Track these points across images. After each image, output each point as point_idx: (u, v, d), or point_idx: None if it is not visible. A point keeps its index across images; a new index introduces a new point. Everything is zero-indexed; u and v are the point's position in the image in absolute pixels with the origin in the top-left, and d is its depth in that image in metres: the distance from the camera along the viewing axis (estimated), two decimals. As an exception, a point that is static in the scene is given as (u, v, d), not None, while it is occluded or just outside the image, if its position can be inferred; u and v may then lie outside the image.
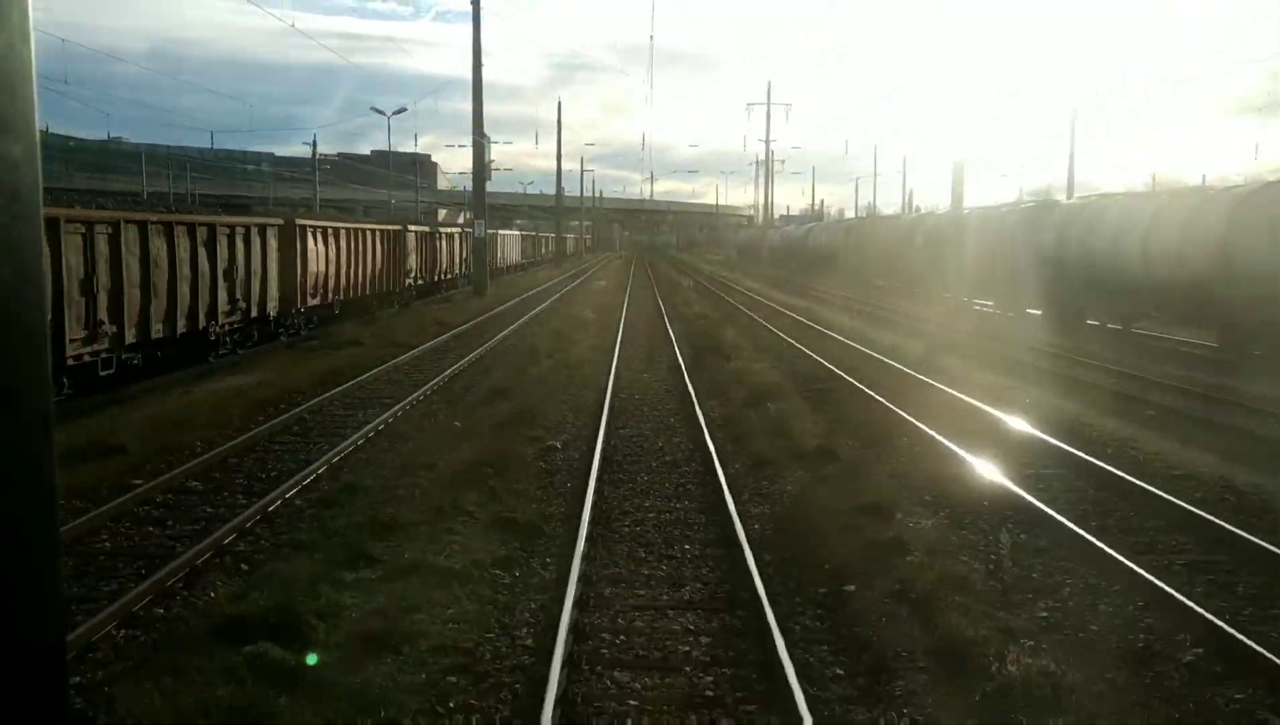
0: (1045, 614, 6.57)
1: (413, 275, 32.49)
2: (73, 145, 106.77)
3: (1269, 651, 5.70)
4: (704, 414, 13.05)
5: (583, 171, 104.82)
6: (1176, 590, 6.70)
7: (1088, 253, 24.04)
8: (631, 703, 5.29)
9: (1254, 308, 18.07)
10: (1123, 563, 7.24)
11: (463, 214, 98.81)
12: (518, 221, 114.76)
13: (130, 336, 14.57)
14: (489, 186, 40.34)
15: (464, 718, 5.02)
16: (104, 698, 5.13)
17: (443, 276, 38.45)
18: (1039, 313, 27.41)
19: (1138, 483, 9.46)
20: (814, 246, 61.12)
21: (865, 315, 30.67)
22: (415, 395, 14.77)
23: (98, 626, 6.00)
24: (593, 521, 8.26)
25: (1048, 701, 5.08)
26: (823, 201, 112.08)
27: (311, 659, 5.40)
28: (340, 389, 15.02)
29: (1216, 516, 8.38)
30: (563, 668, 5.38)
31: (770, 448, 11.18)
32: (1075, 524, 8.15)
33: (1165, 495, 8.99)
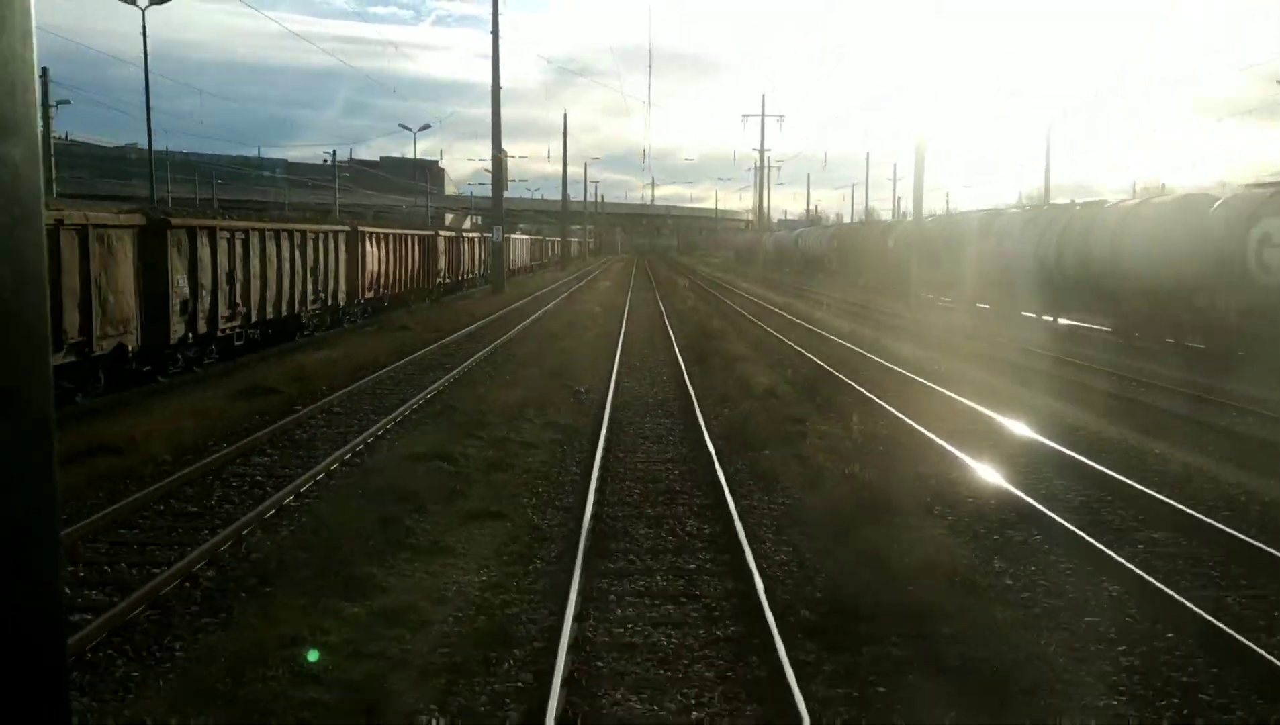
0: (880, 453, 11.19)
1: (442, 275, 37.19)
2: (99, 153, 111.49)
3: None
4: (689, 377, 17.66)
5: (586, 179, 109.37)
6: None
7: (1019, 256, 28.71)
8: (636, 492, 9.89)
9: (1130, 299, 22.78)
10: (895, 415, 11.86)
11: (469, 218, 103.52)
12: (521, 225, 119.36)
13: (254, 317, 19.25)
14: (506, 192, 44.97)
15: (549, 494, 9.64)
16: (368, 472, 9.81)
17: (465, 276, 43.16)
18: (986, 307, 32.09)
19: (944, 390, 14.08)
20: (804, 250, 65.83)
21: (836, 310, 35.32)
22: (468, 363, 19.42)
23: (331, 461, 10.66)
24: (609, 427, 12.88)
25: (861, 486, 9.70)
26: (816, 207, 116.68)
27: (465, 469, 10.05)
28: (409, 358, 19.66)
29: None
30: (599, 478, 10.00)
31: (733, 391, 15.85)
32: (896, 410, 12.77)
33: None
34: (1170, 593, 6.65)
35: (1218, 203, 20.30)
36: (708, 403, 14.94)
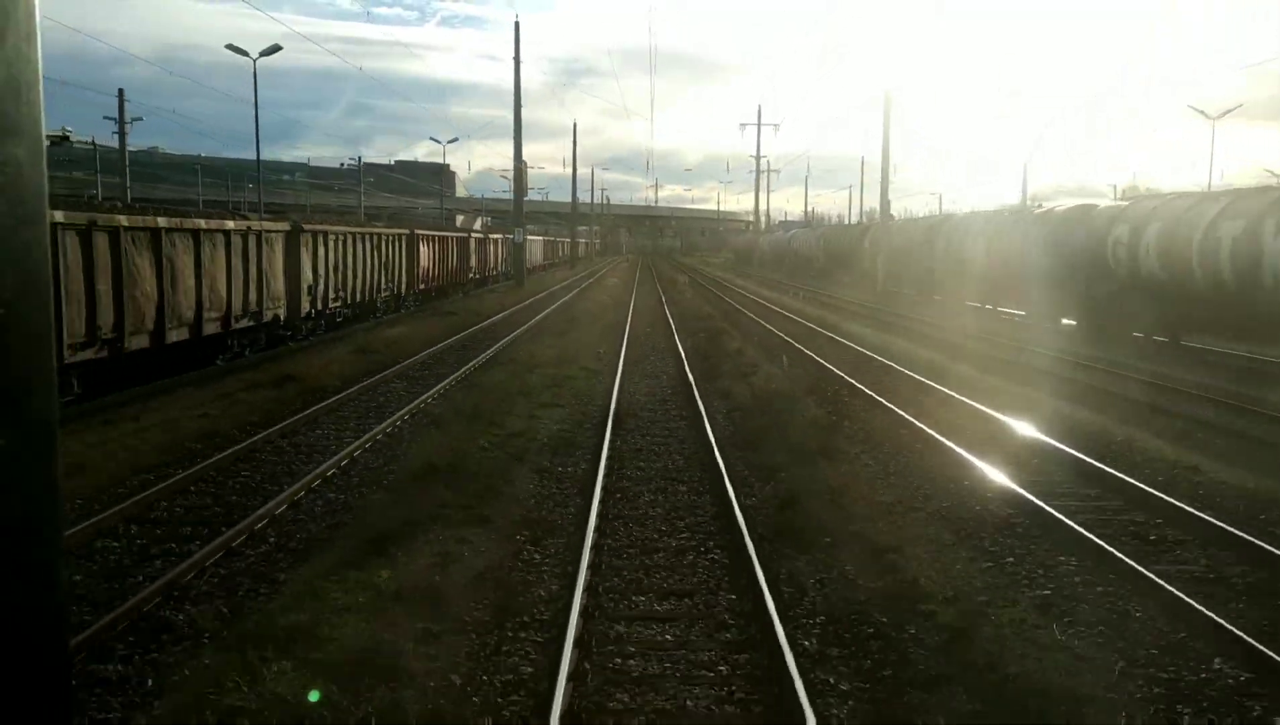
0: (797, 377, 17.09)
1: (473, 271, 43.21)
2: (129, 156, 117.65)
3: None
4: (682, 346, 23.55)
5: (594, 182, 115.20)
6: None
7: (960, 256, 34.58)
8: (642, 400, 15.79)
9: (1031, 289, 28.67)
10: (796, 345, 17.78)
11: (479, 219, 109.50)
12: (530, 227, 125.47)
13: (348, 300, 25.24)
14: (497, 194, 50.98)
15: (587, 398, 15.57)
16: (472, 388, 15.80)
17: (490, 272, 49.19)
18: (939, 298, 37.95)
19: (855, 345, 19.97)
20: (795, 250, 71.74)
21: (813, 300, 41.25)
22: (511, 336, 25.36)
23: (438, 391, 16.61)
24: (622, 371, 18.80)
25: (780, 384, 15.59)
26: (812, 210, 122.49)
27: (531, 388, 16.01)
28: (465, 333, 25.58)
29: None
30: (618, 394, 15.90)
31: (711, 352, 21.78)
32: (814, 355, 18.66)
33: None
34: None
35: (1090, 212, 26.24)
36: (693, 361, 20.84)
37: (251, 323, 19.23)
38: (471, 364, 19.36)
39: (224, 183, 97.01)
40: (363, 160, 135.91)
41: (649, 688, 5.50)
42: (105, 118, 59.76)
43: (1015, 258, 29.66)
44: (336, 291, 24.19)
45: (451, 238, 38.30)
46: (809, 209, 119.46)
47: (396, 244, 29.59)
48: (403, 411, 13.92)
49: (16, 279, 1.36)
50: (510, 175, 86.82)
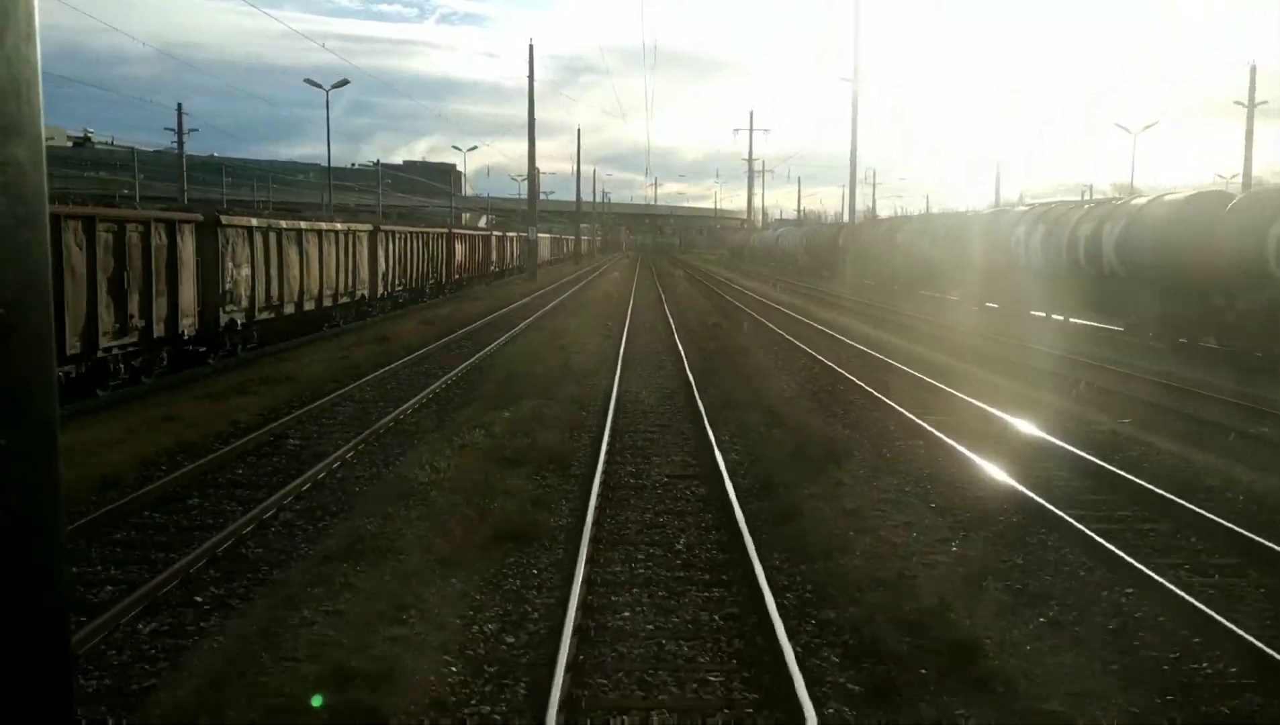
0: (758, 343, 23.47)
1: (494, 264, 49.67)
2: (143, 157, 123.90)
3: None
4: (672, 320, 29.91)
5: (595, 183, 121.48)
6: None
7: (914, 253, 40.98)
8: (641, 354, 22.17)
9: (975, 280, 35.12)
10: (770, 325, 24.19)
11: (483, 217, 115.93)
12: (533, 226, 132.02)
13: (407, 286, 31.68)
14: (499, 190, 57.42)
15: (601, 355, 21.96)
16: (519, 344, 22.27)
17: (506, 266, 55.69)
18: (896, 287, 44.33)
19: (808, 321, 26.38)
20: (783, 248, 78.16)
21: (788, 289, 47.67)
22: (537, 314, 31.72)
23: (474, 363, 23.04)
24: (627, 337, 25.19)
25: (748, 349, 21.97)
26: (805, 207, 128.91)
27: (563, 344, 22.43)
28: (498, 313, 31.91)
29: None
30: (623, 353, 22.29)
31: (697, 326, 28.18)
32: (777, 328, 25.05)
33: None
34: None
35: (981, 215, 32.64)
36: (681, 334, 27.23)
37: (348, 299, 25.64)
38: (512, 331, 25.78)
39: (242, 182, 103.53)
40: (353, 163, 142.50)
41: (647, 411, 11.94)
42: (166, 129, 63.59)
43: (955, 254, 36.08)
44: (400, 278, 30.59)
45: (479, 236, 44.81)
46: (801, 207, 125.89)
47: (440, 241, 36.03)
48: (474, 357, 20.33)
49: (17, 279, 1.35)
50: (513, 174, 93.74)
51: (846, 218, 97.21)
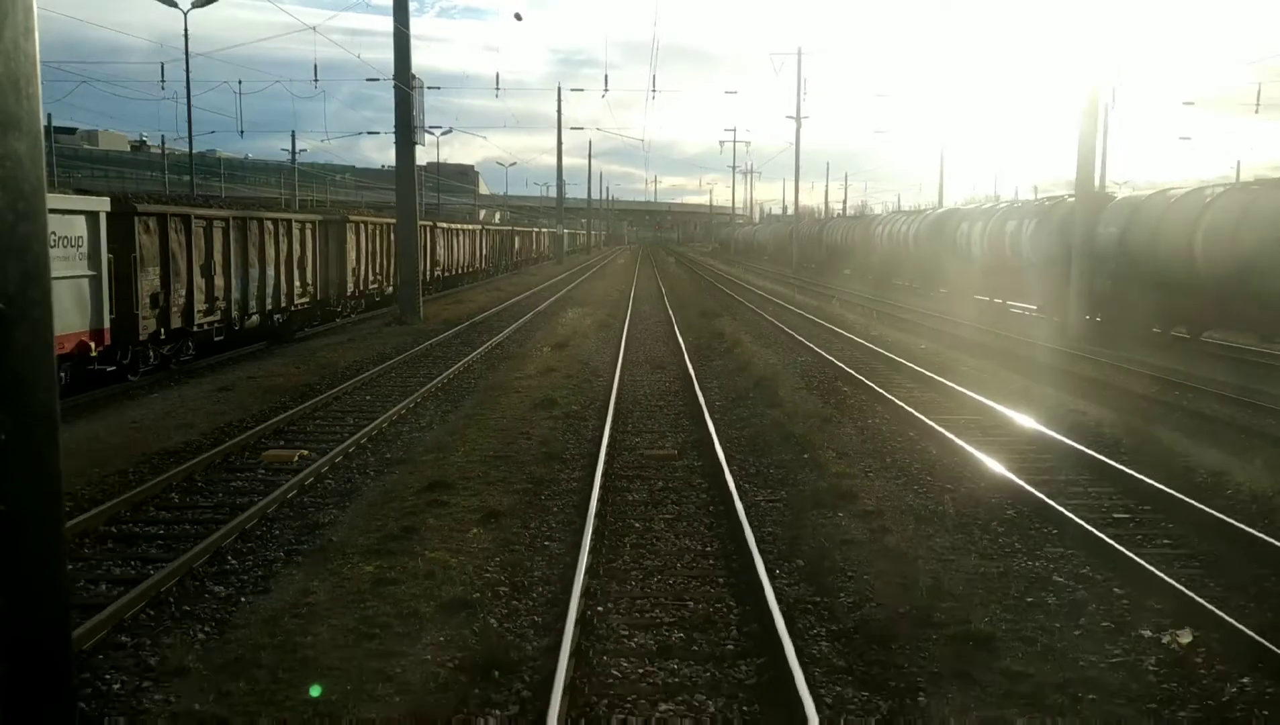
0: (726, 308, 34.55)
1: (524, 253, 60.99)
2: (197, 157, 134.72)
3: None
4: (667, 295, 40.90)
5: (602, 184, 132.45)
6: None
7: (844, 245, 52.04)
8: (646, 309, 33.23)
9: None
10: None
11: (497, 213, 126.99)
12: (542, 220, 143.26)
13: (449, 272, 42.90)
14: (513, 190, 68.60)
15: (618, 306, 33.07)
16: (551, 304, 33.47)
17: (533, 256, 67.05)
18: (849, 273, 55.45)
19: (763, 295, 37.49)
20: (760, 241, 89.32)
21: (750, 270, 58.76)
22: (573, 284, 42.80)
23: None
24: (634, 297, 36.24)
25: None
26: (791, 206, 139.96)
27: (589, 301, 33.57)
28: (538, 288, 42.96)
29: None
30: (632, 304, 33.37)
31: (680, 290, 39.30)
32: (739, 297, 36.10)
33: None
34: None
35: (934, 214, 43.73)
36: (671, 298, 38.21)
37: (478, 266, 36.81)
38: (548, 302, 36.87)
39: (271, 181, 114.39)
40: (422, 164, 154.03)
41: (647, 312, 23.17)
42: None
43: (901, 248, 47.07)
44: (446, 267, 41.72)
45: (510, 231, 56.06)
46: (785, 202, 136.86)
47: (478, 234, 47.37)
48: (520, 320, 31.38)
49: (17, 272, 1.34)
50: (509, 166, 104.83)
51: (831, 214, 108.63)
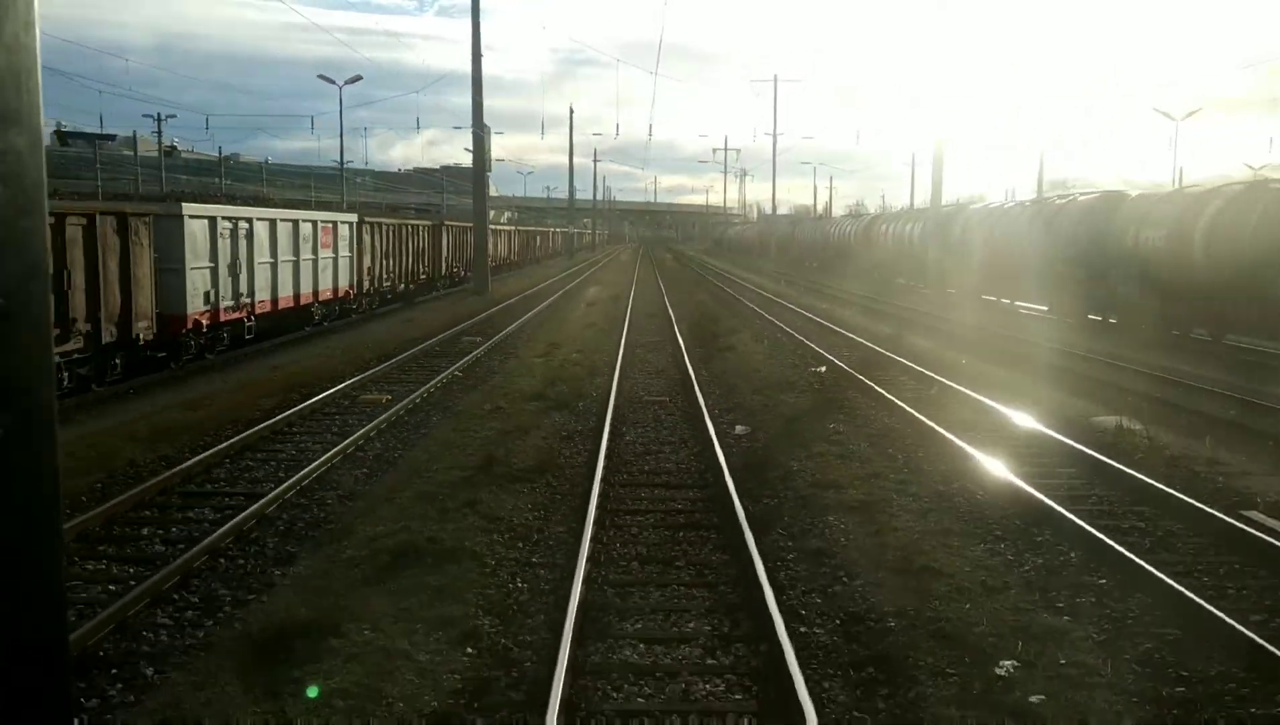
0: (709, 289, 46.49)
1: (541, 250, 73.03)
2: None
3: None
4: (661, 280, 52.77)
5: (604, 186, 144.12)
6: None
7: (811, 242, 63.86)
8: (649, 288, 45.16)
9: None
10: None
11: (505, 214, 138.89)
12: (548, 220, 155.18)
13: (498, 262, 54.93)
14: (514, 190, 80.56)
15: (625, 284, 45.04)
16: (574, 285, 45.59)
17: (549, 252, 79.08)
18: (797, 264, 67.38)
19: (740, 281, 49.44)
20: (747, 240, 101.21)
21: (736, 264, 70.56)
22: (586, 275, 54.75)
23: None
24: (637, 281, 48.14)
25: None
26: (786, 206, 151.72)
27: (603, 280, 45.60)
28: (560, 276, 54.85)
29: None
30: (637, 280, 45.30)
31: (672, 276, 51.28)
32: (719, 282, 48.03)
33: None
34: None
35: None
36: (665, 281, 50.02)
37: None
38: (573, 282, 48.77)
39: (305, 185, 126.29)
40: (435, 167, 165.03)
41: (648, 288, 35.23)
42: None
43: (844, 243, 58.95)
44: (513, 254, 53.72)
45: (541, 231, 68.13)
46: (775, 201, 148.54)
47: (530, 234, 59.46)
48: (555, 294, 43.27)
49: (17, 268, 1.33)
50: (513, 165, 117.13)
51: (841, 210, 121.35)
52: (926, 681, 5.30)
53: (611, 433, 11.36)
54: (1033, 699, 5.08)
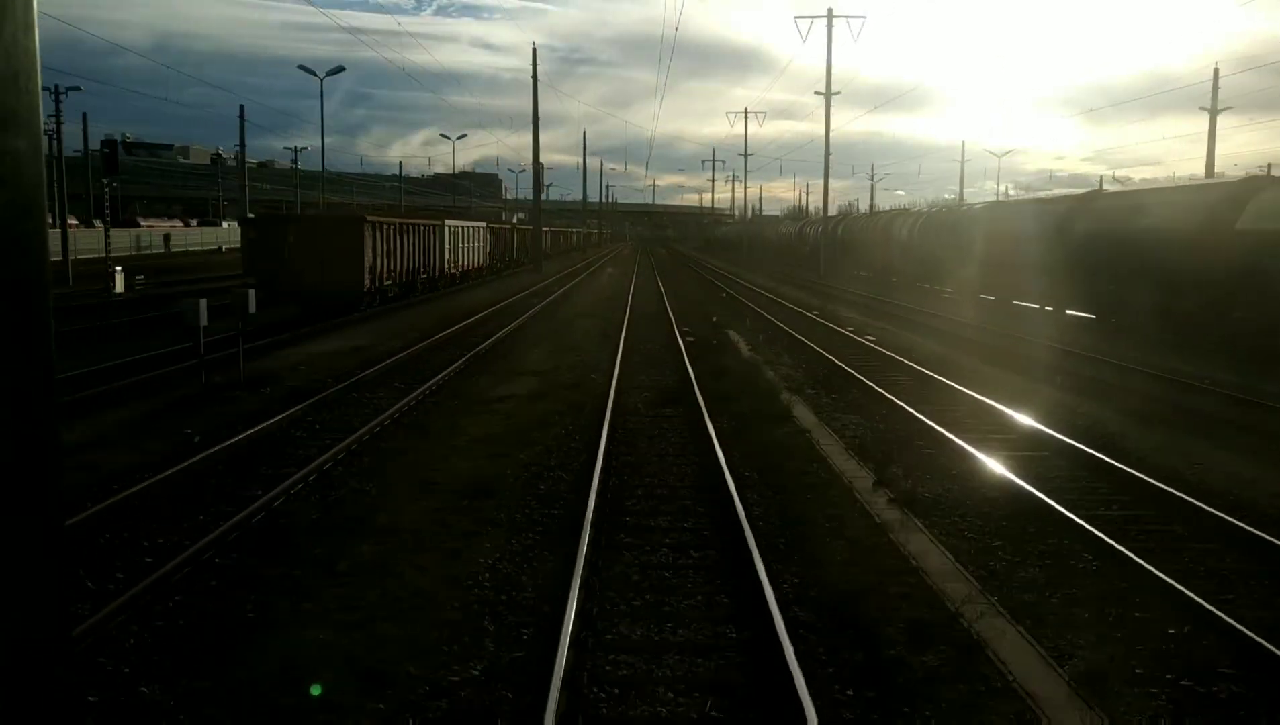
0: (692, 277, 67.29)
1: (567, 244, 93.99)
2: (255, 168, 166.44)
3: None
4: (657, 269, 73.45)
5: (607, 187, 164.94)
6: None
7: (783, 238, 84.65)
8: (648, 270, 66.00)
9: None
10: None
11: (515, 215, 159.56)
12: (556, 220, 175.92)
13: (514, 258, 76.06)
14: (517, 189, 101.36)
15: (629, 266, 65.92)
16: (594, 269, 66.61)
17: (572, 246, 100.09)
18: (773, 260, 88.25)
19: (716, 269, 70.19)
20: (734, 237, 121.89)
21: (720, 258, 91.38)
22: (597, 265, 75.64)
23: (578, 282, 67.22)
24: (638, 267, 68.98)
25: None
26: (791, 200, 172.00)
27: (613, 267, 66.49)
28: (582, 263, 75.72)
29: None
30: (636, 274, 66.14)
31: (666, 267, 72.13)
32: (701, 270, 68.78)
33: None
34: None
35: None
36: (660, 270, 70.68)
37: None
38: (598, 265, 69.60)
39: (339, 188, 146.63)
40: (443, 172, 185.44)
41: (645, 273, 56.46)
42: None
43: (800, 240, 79.70)
44: (547, 247, 74.52)
45: (563, 231, 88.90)
46: (761, 202, 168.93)
47: (557, 233, 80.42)
48: (586, 272, 64.13)
49: (19, 271, 1.34)
50: (511, 165, 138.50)
51: (836, 208, 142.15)
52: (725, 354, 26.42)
53: (631, 302, 32.34)
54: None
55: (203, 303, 14.37)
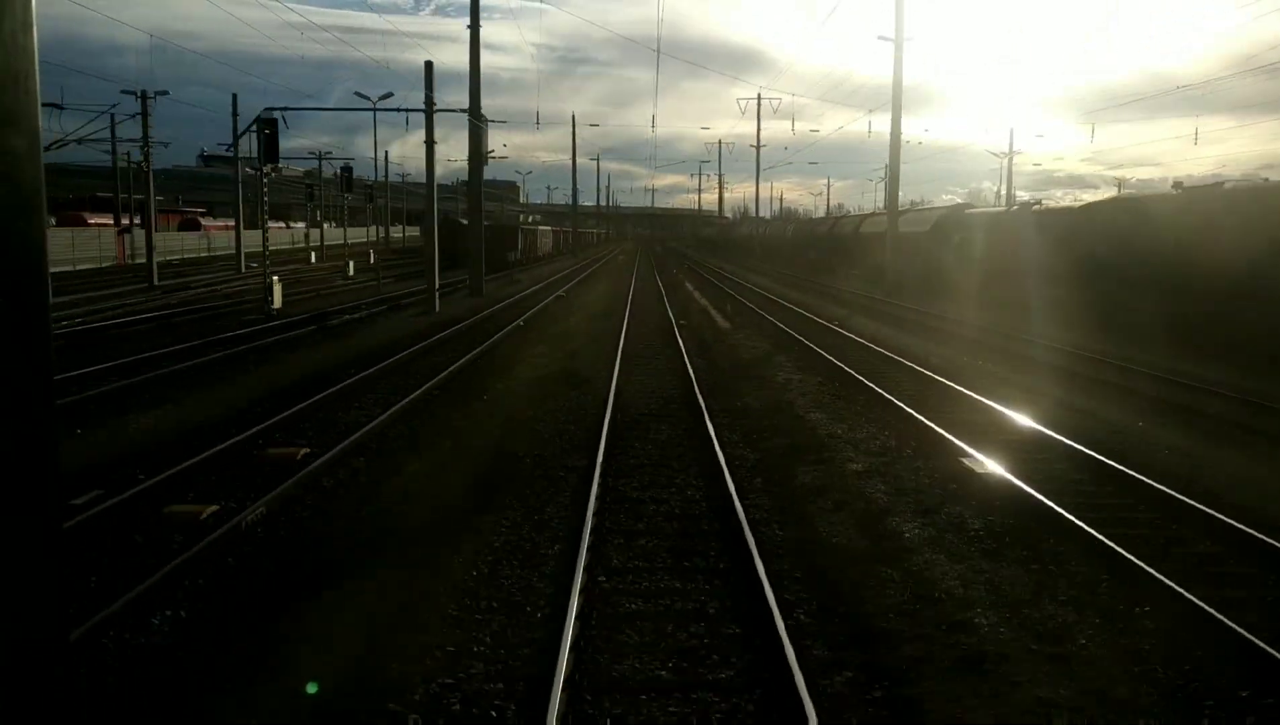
0: (682, 267, 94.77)
1: (584, 241, 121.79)
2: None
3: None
4: (655, 263, 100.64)
5: (607, 185, 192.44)
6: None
7: (772, 238, 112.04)
8: (649, 260, 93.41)
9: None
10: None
11: (531, 217, 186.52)
12: (564, 222, 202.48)
13: (559, 250, 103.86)
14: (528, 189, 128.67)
15: (632, 256, 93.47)
16: (606, 263, 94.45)
17: (589, 243, 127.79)
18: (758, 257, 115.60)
19: (704, 263, 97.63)
20: (722, 237, 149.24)
21: (710, 254, 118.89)
22: (605, 259, 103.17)
23: (603, 263, 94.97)
24: (639, 259, 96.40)
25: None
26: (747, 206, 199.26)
27: (620, 257, 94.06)
28: (597, 255, 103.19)
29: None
30: (637, 264, 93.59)
31: (663, 260, 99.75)
32: (696, 267, 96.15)
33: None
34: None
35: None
36: (658, 262, 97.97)
37: (555, 251, 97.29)
38: (611, 255, 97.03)
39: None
40: (476, 178, 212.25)
41: (644, 264, 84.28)
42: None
43: (775, 238, 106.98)
44: (559, 247, 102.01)
45: (591, 233, 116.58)
46: (759, 201, 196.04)
47: (581, 234, 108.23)
48: (604, 259, 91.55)
49: (17, 270, 1.36)
50: (514, 165, 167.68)
51: (833, 207, 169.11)
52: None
53: (637, 269, 60.13)
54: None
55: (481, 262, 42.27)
